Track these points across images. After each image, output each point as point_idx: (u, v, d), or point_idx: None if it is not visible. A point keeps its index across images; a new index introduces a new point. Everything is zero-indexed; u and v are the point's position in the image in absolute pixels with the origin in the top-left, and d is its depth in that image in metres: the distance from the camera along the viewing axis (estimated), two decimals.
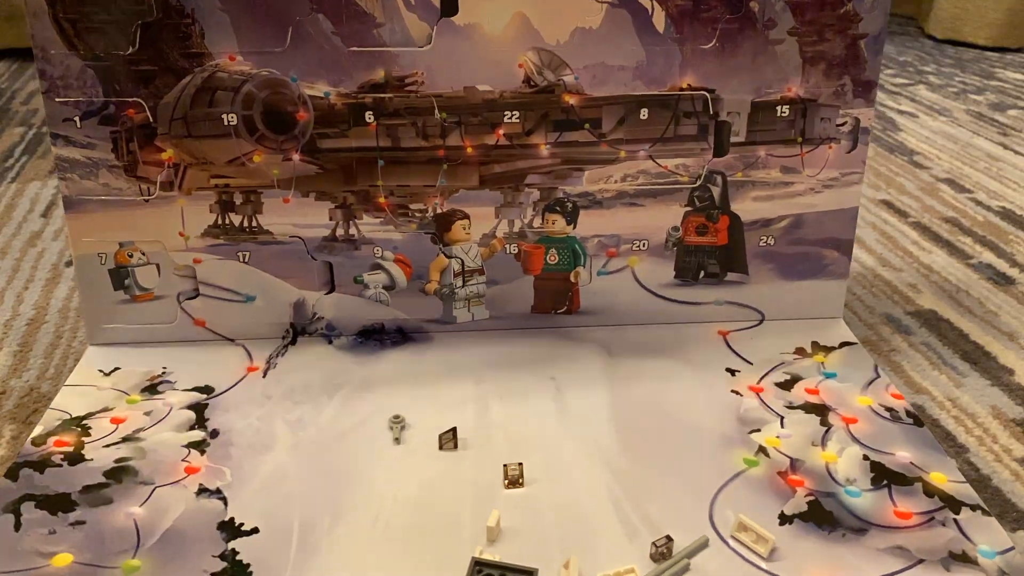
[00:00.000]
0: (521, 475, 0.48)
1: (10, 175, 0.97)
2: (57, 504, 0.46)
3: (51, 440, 0.51)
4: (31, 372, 0.61)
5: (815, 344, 0.62)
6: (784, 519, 0.46)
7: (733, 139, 0.59)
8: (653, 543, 0.43)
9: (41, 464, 0.49)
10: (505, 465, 0.48)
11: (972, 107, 1.27)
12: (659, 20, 0.56)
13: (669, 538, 0.44)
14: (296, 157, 0.57)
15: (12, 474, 0.48)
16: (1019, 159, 1.06)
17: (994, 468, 0.52)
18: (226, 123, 0.56)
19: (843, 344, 0.62)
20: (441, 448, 0.51)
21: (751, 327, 0.64)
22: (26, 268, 0.76)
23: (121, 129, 0.56)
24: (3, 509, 0.46)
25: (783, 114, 0.59)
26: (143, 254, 0.60)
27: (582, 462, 0.50)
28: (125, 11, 0.53)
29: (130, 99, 0.55)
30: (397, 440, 0.52)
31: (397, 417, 0.53)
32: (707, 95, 0.58)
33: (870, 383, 0.58)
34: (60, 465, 0.49)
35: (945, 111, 1.26)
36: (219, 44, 0.55)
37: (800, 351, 0.61)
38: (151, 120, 0.56)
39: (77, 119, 0.56)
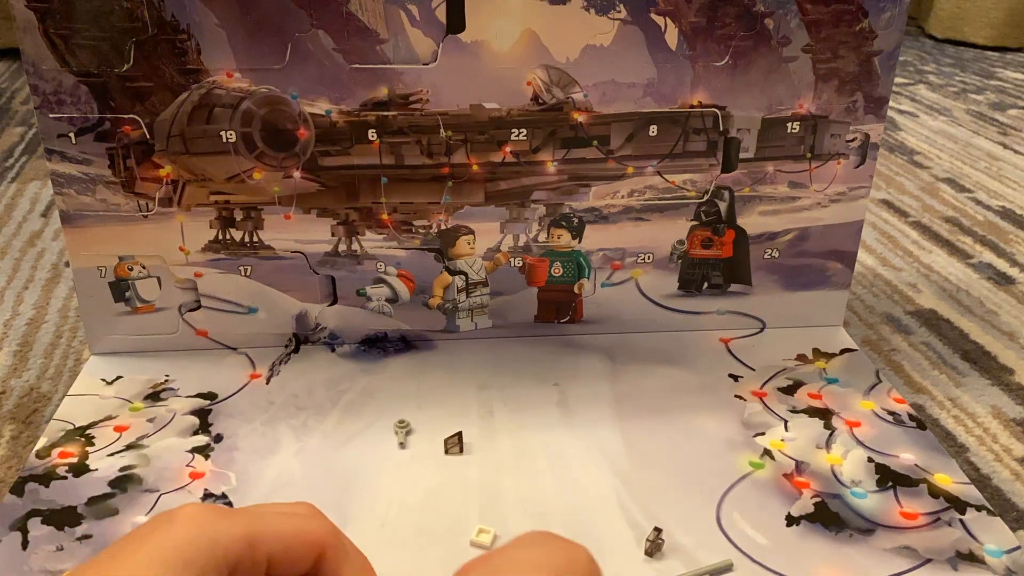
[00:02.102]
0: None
1: (10, 175, 0.97)
2: (63, 519, 0.46)
3: (55, 452, 0.51)
4: (31, 372, 0.61)
5: (816, 351, 0.62)
6: (791, 520, 0.46)
7: (743, 155, 0.59)
8: (646, 539, 0.44)
9: (46, 477, 0.49)
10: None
11: (972, 107, 1.28)
12: (671, 37, 0.55)
13: (658, 529, 0.44)
14: (297, 174, 0.57)
15: (18, 489, 0.48)
16: (1019, 159, 1.06)
17: (994, 468, 0.53)
18: (225, 140, 0.55)
19: (844, 351, 0.62)
20: (447, 453, 0.51)
21: (752, 335, 0.64)
22: (26, 268, 0.76)
23: (117, 146, 0.55)
24: (10, 527, 0.45)
25: (793, 130, 0.58)
26: (143, 267, 0.59)
27: (588, 467, 0.50)
28: (118, 27, 0.52)
29: (126, 116, 0.54)
30: (402, 445, 0.52)
31: (402, 422, 0.53)
32: (717, 112, 0.57)
33: (872, 388, 0.58)
34: (65, 477, 0.49)
35: (945, 111, 1.26)
36: (216, 60, 0.53)
37: (801, 357, 0.61)
38: (148, 136, 0.55)
39: (72, 135, 0.54)
